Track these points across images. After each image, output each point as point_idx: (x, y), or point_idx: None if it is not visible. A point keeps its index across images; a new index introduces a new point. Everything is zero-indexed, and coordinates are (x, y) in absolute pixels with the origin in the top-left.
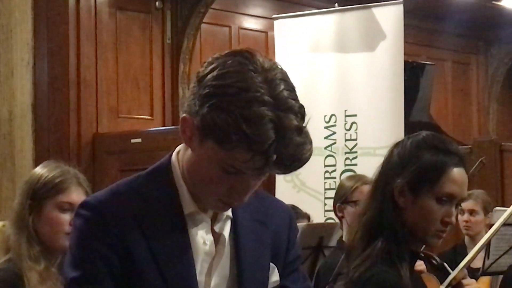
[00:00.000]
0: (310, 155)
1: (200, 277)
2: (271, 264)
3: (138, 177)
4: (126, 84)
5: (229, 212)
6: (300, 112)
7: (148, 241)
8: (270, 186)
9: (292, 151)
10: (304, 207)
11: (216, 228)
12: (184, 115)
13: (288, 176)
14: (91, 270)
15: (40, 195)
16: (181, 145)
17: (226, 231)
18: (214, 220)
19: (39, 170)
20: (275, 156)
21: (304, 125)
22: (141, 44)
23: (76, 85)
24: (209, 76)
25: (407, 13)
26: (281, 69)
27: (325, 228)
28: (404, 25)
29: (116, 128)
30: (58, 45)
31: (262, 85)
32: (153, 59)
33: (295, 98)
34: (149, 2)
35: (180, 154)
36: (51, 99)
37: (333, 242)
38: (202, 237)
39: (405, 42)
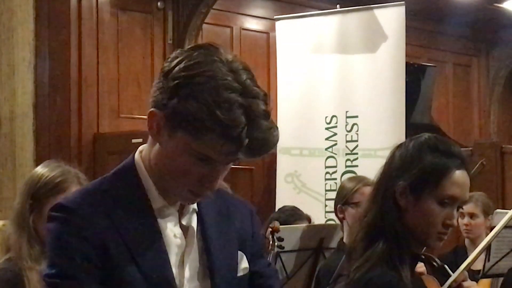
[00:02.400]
0: (278, 139)
1: (174, 270)
2: (239, 252)
3: (104, 179)
4: (127, 84)
5: (194, 206)
6: (265, 99)
7: (122, 237)
8: (271, 187)
9: (262, 135)
10: (304, 209)
11: (184, 221)
12: (151, 109)
13: (289, 177)
14: (70, 266)
15: (40, 195)
16: (143, 145)
17: (194, 224)
18: (181, 214)
19: (40, 169)
20: (247, 140)
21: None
22: (142, 44)
23: (77, 85)
24: (176, 68)
25: (408, 15)
26: (242, 61)
27: (326, 230)
28: (406, 26)
29: (117, 128)
30: (59, 45)
31: (229, 74)
32: (154, 59)
33: (259, 87)
34: (150, 2)
35: (143, 152)
36: (52, 98)
37: (334, 244)
38: (171, 230)
39: (407, 43)
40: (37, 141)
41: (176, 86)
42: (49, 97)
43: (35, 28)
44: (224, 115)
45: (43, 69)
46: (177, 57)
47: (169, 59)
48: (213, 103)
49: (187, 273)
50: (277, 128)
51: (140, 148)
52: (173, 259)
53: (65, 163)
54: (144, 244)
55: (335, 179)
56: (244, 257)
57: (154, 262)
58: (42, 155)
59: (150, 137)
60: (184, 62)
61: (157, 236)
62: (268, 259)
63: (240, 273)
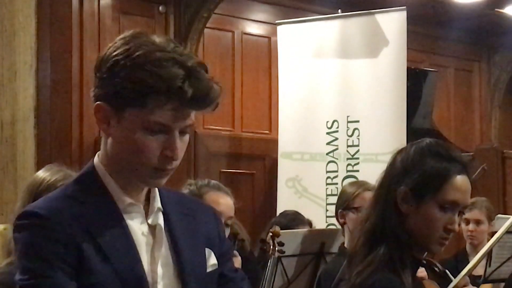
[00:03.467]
0: (219, 91)
1: (147, 267)
2: (207, 249)
3: (67, 186)
4: None
5: (159, 205)
6: (196, 57)
7: (92, 237)
8: (272, 192)
9: (205, 83)
10: (305, 213)
11: (150, 220)
12: (96, 103)
13: (290, 182)
14: (45, 266)
15: None
16: (98, 152)
17: (161, 222)
18: (146, 213)
19: (42, 173)
20: (191, 91)
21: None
22: None
23: (79, 89)
24: (105, 57)
25: (410, 20)
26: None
27: (327, 234)
28: (407, 31)
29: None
30: (61, 49)
31: (157, 43)
32: None
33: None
34: (152, 6)
35: (100, 156)
36: (53, 102)
37: (335, 248)
38: (139, 229)
39: (408, 48)
40: (39, 145)
41: (111, 68)
42: (51, 101)
43: (37, 32)
44: (161, 71)
45: (45, 73)
46: (103, 51)
47: (98, 57)
48: (149, 64)
49: (159, 270)
50: (217, 82)
51: (98, 153)
52: (145, 257)
53: (66, 167)
54: (115, 243)
55: (336, 183)
56: (212, 253)
57: (127, 260)
58: (44, 159)
59: (102, 139)
60: (112, 48)
61: (127, 234)
62: (269, 263)
63: (209, 269)
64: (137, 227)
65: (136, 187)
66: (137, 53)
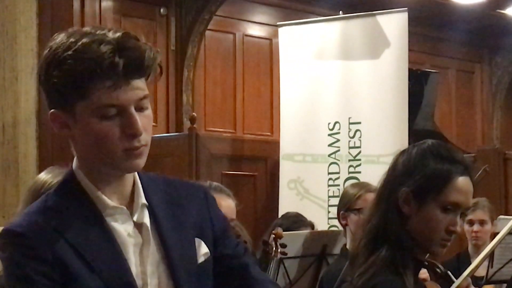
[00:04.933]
0: (156, 53)
1: (136, 268)
2: (197, 239)
3: (46, 196)
4: None
5: (144, 200)
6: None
7: (75, 248)
8: (274, 193)
9: (135, 52)
10: (307, 215)
11: (135, 218)
12: (49, 113)
13: (292, 184)
14: (29, 285)
15: None
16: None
17: (146, 219)
18: (131, 211)
19: (43, 176)
20: (121, 61)
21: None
22: None
23: None
24: (39, 68)
25: (411, 21)
26: None
27: (329, 236)
28: (409, 33)
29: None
30: None
31: (83, 32)
32: None
33: None
34: (153, 8)
35: (76, 162)
36: None
37: (337, 250)
38: (125, 230)
39: (410, 50)
40: (40, 147)
41: (45, 77)
42: None
43: (38, 35)
44: (87, 54)
45: None
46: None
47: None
48: (73, 53)
49: (149, 269)
50: (150, 47)
51: (74, 159)
52: (132, 258)
53: (68, 169)
54: (99, 250)
55: (338, 185)
56: (202, 242)
57: (112, 266)
58: (45, 161)
59: (73, 151)
60: (40, 61)
61: (110, 238)
62: (271, 265)
63: (200, 260)
64: (123, 228)
65: (117, 186)
66: (62, 49)
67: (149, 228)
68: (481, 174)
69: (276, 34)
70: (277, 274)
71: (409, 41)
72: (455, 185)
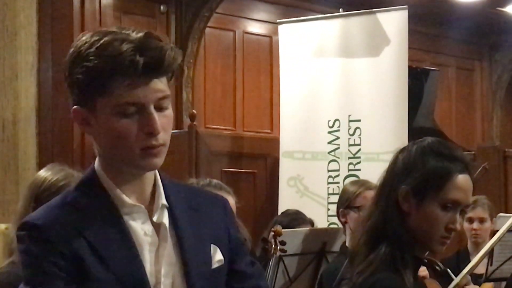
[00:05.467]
0: (177, 54)
1: (150, 267)
2: (212, 245)
3: (67, 192)
4: None
5: (164, 201)
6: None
7: (92, 245)
8: (273, 191)
9: (156, 51)
10: (307, 212)
11: (155, 218)
12: (72, 109)
13: (292, 181)
14: (47, 278)
15: (44, 198)
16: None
17: (165, 219)
18: (151, 211)
19: (43, 173)
20: (142, 59)
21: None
22: None
23: None
24: (64, 66)
25: (411, 19)
26: None
27: (328, 233)
28: (409, 30)
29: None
30: (62, 49)
31: (106, 32)
32: None
33: None
34: (153, 6)
35: (98, 160)
36: (55, 102)
37: (336, 247)
38: (142, 229)
39: (409, 47)
40: (40, 145)
41: (69, 74)
42: (52, 101)
43: (38, 32)
44: (108, 52)
45: (46, 73)
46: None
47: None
48: (96, 50)
49: (163, 269)
50: (172, 47)
51: (96, 159)
52: (147, 256)
53: (68, 166)
54: (115, 247)
55: (337, 182)
56: (218, 249)
57: (126, 264)
58: (45, 159)
59: (94, 149)
60: (66, 59)
61: (126, 236)
62: (270, 262)
63: (214, 265)
64: (140, 227)
65: (136, 185)
66: (85, 47)
67: (168, 228)
68: (481, 172)
69: (276, 32)
70: (277, 272)
71: (409, 39)
72: (455, 183)
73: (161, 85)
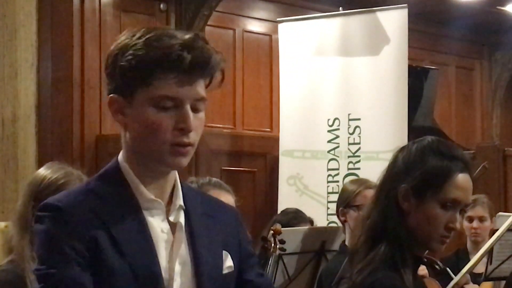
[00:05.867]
0: (221, 59)
1: (164, 263)
2: (224, 251)
3: (90, 180)
4: None
5: (181, 202)
6: None
7: (111, 233)
8: (273, 190)
9: (203, 51)
10: (306, 211)
11: (171, 217)
12: (108, 97)
13: (291, 180)
14: (62, 259)
15: (43, 196)
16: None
17: (182, 220)
18: (168, 211)
19: (43, 171)
20: (189, 57)
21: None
22: None
23: (80, 86)
24: (109, 53)
25: (411, 18)
26: None
27: (328, 232)
28: (408, 29)
29: (120, 130)
30: (62, 47)
31: (157, 27)
32: None
33: None
34: (153, 4)
35: (122, 151)
36: (54, 100)
37: (336, 246)
38: (159, 226)
39: (409, 46)
40: (40, 143)
41: (114, 61)
42: (52, 99)
43: (38, 29)
44: (158, 44)
45: (46, 71)
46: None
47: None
48: (147, 41)
49: (177, 267)
50: (219, 52)
51: (121, 151)
52: (163, 253)
53: (67, 164)
54: (132, 238)
55: (337, 181)
56: (229, 256)
57: (142, 255)
58: (45, 157)
59: (121, 135)
60: (112, 47)
61: (145, 230)
62: (270, 261)
63: (225, 271)
64: (157, 223)
65: (159, 183)
66: (135, 38)
67: (183, 228)
68: (480, 170)
69: (276, 30)
70: (276, 270)
71: (409, 38)
72: (455, 182)
73: (200, 86)
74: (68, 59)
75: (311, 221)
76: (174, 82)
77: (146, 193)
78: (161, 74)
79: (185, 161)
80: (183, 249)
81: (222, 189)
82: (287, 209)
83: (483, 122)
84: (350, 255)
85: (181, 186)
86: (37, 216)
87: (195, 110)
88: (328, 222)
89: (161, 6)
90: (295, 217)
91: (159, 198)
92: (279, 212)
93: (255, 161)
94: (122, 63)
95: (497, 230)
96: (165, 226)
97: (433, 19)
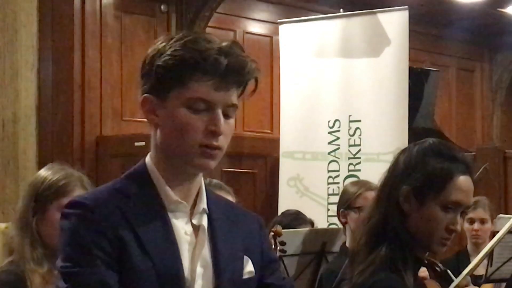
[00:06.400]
0: (256, 68)
1: (187, 265)
2: (245, 256)
3: (116, 180)
4: (130, 87)
5: (205, 205)
6: None
7: (136, 232)
8: (273, 191)
9: (239, 58)
10: (307, 212)
11: (194, 220)
12: (142, 97)
13: (292, 181)
14: (88, 257)
15: (44, 198)
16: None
17: (204, 223)
18: (191, 213)
19: (44, 172)
20: (226, 61)
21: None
22: (146, 47)
23: (81, 87)
24: (147, 55)
25: (412, 19)
26: None
27: (328, 234)
28: (409, 31)
29: (120, 131)
30: (63, 48)
31: (194, 32)
32: None
33: None
34: (154, 5)
35: (150, 153)
36: (55, 101)
37: (336, 248)
38: (183, 228)
39: (410, 48)
40: (40, 144)
41: (151, 61)
42: (52, 100)
43: (39, 30)
44: (196, 46)
45: (46, 72)
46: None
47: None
48: (184, 42)
49: (198, 269)
50: (254, 61)
51: (149, 153)
52: (186, 255)
53: (68, 165)
54: (157, 239)
55: (337, 183)
56: (250, 261)
57: (166, 257)
58: (45, 158)
59: (152, 136)
60: (150, 50)
61: (169, 231)
62: None
63: (245, 276)
64: (181, 225)
65: (185, 185)
66: (173, 41)
67: (206, 232)
68: (481, 172)
69: (276, 32)
70: None
71: (409, 39)
72: (456, 184)
73: (234, 93)
74: (68, 60)
75: (311, 223)
76: (209, 86)
77: (171, 194)
78: (197, 77)
79: (212, 163)
80: (205, 252)
81: (223, 191)
82: (287, 210)
83: (484, 124)
84: (351, 256)
85: (206, 190)
86: (64, 213)
87: (225, 115)
88: (328, 223)
89: (162, 7)
90: (295, 218)
91: (184, 201)
92: (279, 213)
93: (256, 163)
94: (159, 63)
95: (497, 232)
96: (189, 229)
97: (433, 21)
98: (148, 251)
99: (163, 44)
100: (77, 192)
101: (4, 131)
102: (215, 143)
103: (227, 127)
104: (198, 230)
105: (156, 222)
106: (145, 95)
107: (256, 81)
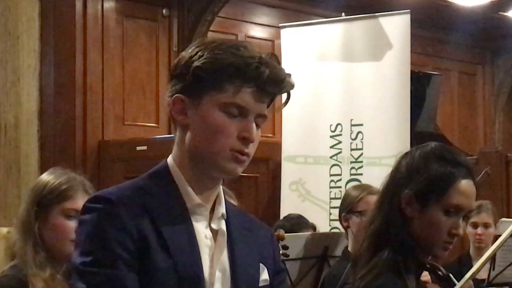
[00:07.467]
0: (291, 83)
1: (206, 269)
2: (261, 264)
3: (138, 178)
4: (132, 91)
5: (224, 210)
6: None
7: (159, 231)
8: (275, 195)
9: (279, 69)
10: (309, 216)
11: (214, 224)
12: (173, 96)
13: (294, 185)
14: (109, 255)
15: (46, 202)
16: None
17: (223, 228)
18: (210, 218)
19: (46, 176)
20: (267, 71)
21: None
22: (147, 52)
23: (82, 92)
24: (182, 57)
25: (413, 23)
26: None
27: (330, 238)
28: (411, 35)
29: (122, 136)
30: (65, 52)
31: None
32: (159, 66)
33: None
34: (156, 10)
35: (173, 154)
36: (57, 105)
37: (338, 252)
38: (203, 231)
39: (412, 52)
40: (42, 148)
41: (188, 63)
42: (54, 104)
43: (41, 35)
44: (239, 52)
45: (48, 76)
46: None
47: (177, 60)
48: (226, 47)
49: (217, 274)
50: (290, 75)
51: (171, 154)
52: (205, 259)
53: (70, 170)
54: (180, 239)
55: (339, 187)
56: (266, 270)
57: (188, 258)
58: (47, 162)
59: (176, 137)
60: (184, 53)
61: (192, 233)
62: None
63: (261, 284)
64: (201, 229)
65: (207, 189)
66: (212, 45)
67: (225, 235)
68: (483, 176)
69: (278, 36)
70: None
71: (411, 43)
72: (458, 188)
73: (266, 104)
74: (70, 64)
75: (313, 227)
76: (248, 93)
77: (194, 196)
78: (237, 82)
79: (240, 169)
80: (224, 257)
81: (225, 195)
82: (289, 214)
83: (486, 128)
84: (353, 260)
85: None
86: (86, 207)
87: (256, 124)
88: (330, 227)
89: (164, 11)
90: (297, 222)
91: (205, 199)
92: (281, 217)
93: (258, 167)
94: (197, 65)
95: (499, 235)
96: (208, 232)
97: (435, 25)
98: (170, 251)
99: (201, 47)
100: (80, 197)
101: (6, 136)
102: (246, 149)
103: (256, 135)
104: (217, 235)
105: (179, 223)
106: (177, 94)
107: (289, 94)
